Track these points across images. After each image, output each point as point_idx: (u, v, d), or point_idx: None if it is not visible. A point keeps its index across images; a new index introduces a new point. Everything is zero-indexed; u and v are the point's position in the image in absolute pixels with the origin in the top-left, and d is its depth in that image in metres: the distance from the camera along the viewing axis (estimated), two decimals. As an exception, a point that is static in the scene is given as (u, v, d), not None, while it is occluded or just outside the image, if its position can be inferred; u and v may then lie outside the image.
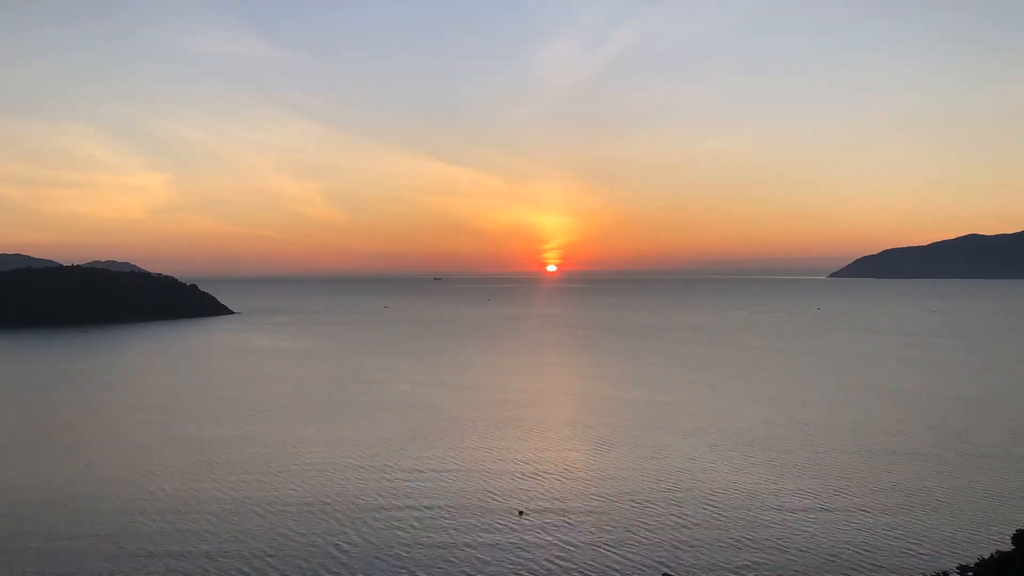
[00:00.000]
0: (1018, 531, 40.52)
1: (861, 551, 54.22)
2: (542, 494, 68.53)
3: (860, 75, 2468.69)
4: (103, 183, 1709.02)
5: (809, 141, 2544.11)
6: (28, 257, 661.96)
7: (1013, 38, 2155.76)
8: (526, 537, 57.50)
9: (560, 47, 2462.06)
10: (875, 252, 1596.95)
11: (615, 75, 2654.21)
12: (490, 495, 68.21)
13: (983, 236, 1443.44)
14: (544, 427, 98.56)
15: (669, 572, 50.42)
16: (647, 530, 58.94)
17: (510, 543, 56.40)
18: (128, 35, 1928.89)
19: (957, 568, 42.12)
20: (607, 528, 59.54)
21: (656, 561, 52.79)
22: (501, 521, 61.19)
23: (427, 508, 64.59)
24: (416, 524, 60.62)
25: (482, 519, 61.78)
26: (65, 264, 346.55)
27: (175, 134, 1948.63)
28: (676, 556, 53.59)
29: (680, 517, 61.92)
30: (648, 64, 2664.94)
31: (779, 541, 56.32)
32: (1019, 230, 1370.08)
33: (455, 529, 59.38)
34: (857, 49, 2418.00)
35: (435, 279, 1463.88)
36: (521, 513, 62.79)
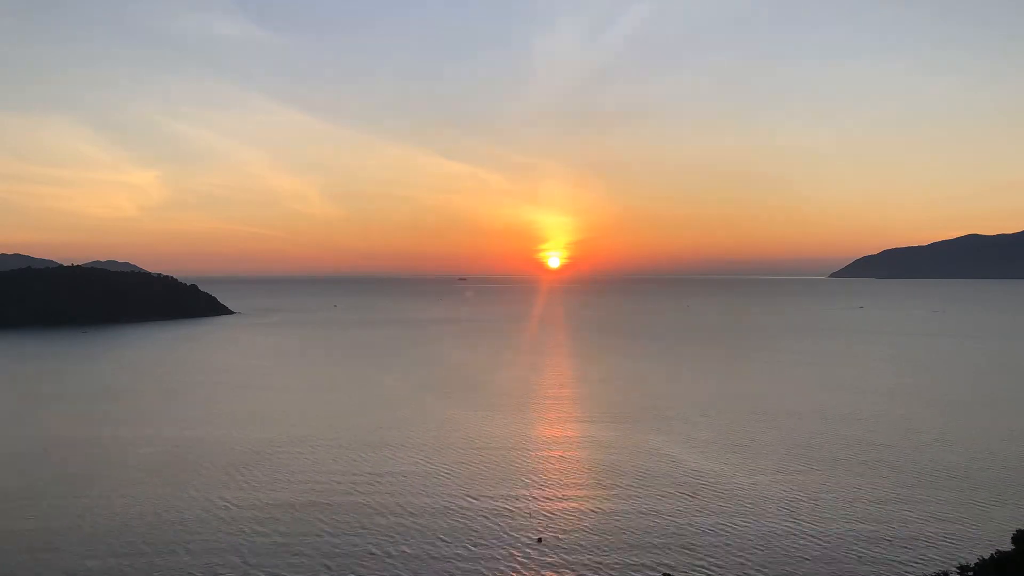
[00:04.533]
0: (1018, 531, 40.42)
1: (862, 551, 54.18)
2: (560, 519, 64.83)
3: (861, 74, 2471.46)
4: (92, 180, 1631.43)
5: (810, 140, 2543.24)
6: (28, 257, 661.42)
7: (1013, 38, 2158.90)
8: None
9: (561, 38, 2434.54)
10: (875, 252, 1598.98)
11: (617, 68, 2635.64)
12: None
13: (983, 236, 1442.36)
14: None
15: (669, 573, 50.43)
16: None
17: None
18: (110, 16, 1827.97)
19: (957, 568, 42.01)
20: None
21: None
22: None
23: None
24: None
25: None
26: (65, 264, 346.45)
27: (163, 127, 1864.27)
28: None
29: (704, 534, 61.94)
30: (649, 58, 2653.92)
31: (781, 542, 56.36)
32: (1019, 230, 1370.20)
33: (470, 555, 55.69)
34: (859, 48, 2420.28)
35: (460, 279, 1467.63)
36: (540, 540, 57.53)
